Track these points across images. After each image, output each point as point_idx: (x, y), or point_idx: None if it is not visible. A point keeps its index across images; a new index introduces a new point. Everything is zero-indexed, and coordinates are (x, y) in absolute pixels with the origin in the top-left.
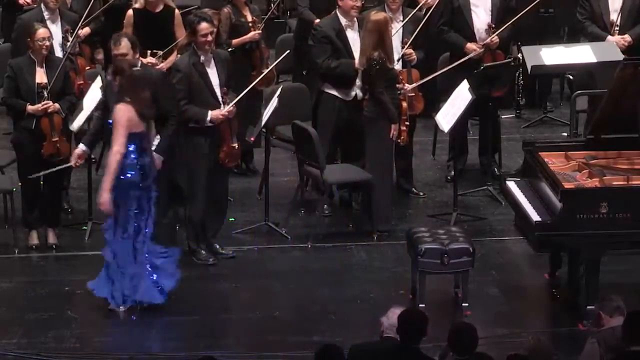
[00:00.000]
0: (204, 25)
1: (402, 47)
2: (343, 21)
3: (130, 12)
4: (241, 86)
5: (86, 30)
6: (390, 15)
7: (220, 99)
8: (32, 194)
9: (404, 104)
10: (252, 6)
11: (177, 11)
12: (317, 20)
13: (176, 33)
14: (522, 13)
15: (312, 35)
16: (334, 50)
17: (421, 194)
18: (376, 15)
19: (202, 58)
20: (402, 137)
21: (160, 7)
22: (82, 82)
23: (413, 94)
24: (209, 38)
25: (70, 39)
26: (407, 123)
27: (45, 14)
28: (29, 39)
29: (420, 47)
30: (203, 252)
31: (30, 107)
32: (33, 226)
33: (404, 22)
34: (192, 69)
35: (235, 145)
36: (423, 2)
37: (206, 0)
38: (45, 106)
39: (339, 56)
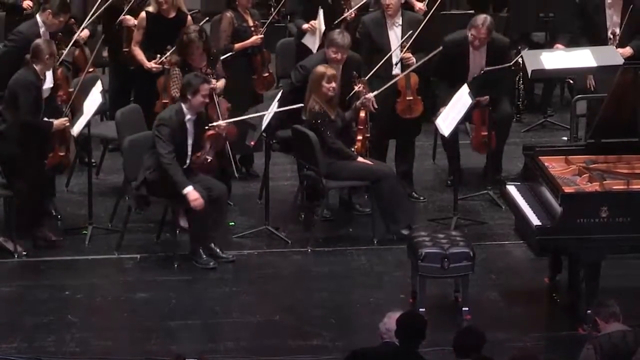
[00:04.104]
0: (205, 86)
1: (401, 51)
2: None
3: (143, 14)
4: (243, 90)
5: (85, 33)
6: (389, 21)
7: (189, 159)
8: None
9: (362, 114)
10: (252, 10)
11: (189, 17)
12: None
13: None
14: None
15: (295, 72)
16: None
17: (421, 198)
18: (320, 67)
19: (187, 117)
20: (357, 147)
21: (174, 13)
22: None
23: (412, 98)
24: (207, 100)
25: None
26: (367, 135)
27: (42, 30)
28: (48, 55)
29: (420, 50)
30: (204, 256)
31: (57, 123)
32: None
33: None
34: (178, 127)
35: (209, 158)
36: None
37: (207, 3)
38: (65, 122)
39: None
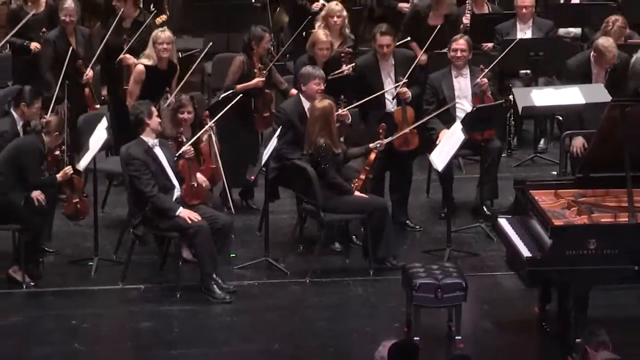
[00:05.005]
0: (154, 108)
1: (395, 87)
2: (306, 105)
3: (141, 67)
4: (243, 129)
5: (90, 73)
6: (382, 63)
7: (174, 181)
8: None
9: (372, 157)
10: (265, 59)
11: (177, 67)
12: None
13: (172, 86)
14: (503, 54)
15: (275, 116)
16: (294, 135)
17: (417, 227)
18: (321, 102)
19: (150, 143)
20: (357, 184)
21: (166, 66)
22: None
23: (407, 131)
24: (159, 118)
25: None
26: (370, 176)
27: (20, 124)
28: (57, 133)
29: (414, 83)
30: (218, 291)
31: (60, 175)
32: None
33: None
34: (146, 156)
35: (195, 183)
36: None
37: (208, 44)
38: (68, 171)
39: (300, 141)
